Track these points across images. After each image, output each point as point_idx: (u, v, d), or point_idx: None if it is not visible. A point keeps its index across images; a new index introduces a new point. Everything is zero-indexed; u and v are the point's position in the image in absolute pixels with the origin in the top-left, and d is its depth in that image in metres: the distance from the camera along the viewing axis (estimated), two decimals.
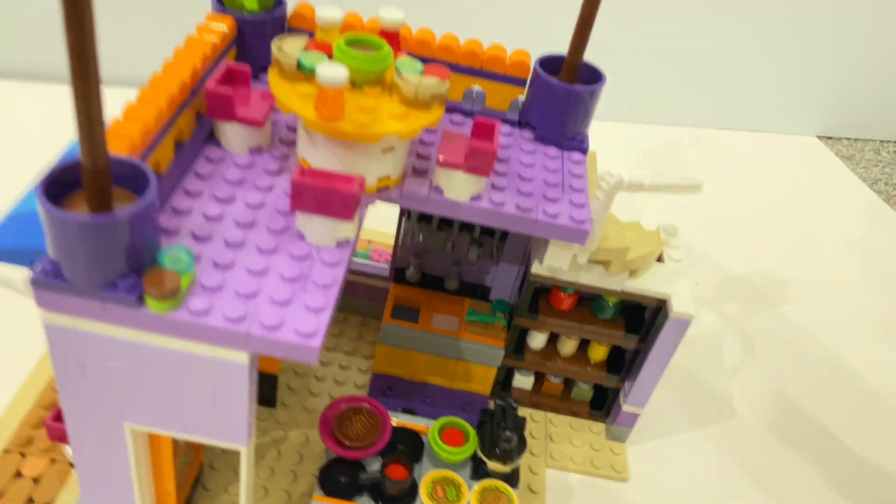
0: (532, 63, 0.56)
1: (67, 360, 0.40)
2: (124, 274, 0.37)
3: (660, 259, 0.64)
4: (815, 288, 0.96)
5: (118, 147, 0.39)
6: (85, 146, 0.33)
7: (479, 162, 0.47)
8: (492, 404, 0.61)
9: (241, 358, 0.39)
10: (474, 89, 0.57)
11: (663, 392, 0.76)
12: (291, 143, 0.50)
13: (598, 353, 0.68)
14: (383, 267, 0.74)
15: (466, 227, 0.65)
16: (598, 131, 0.70)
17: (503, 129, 0.57)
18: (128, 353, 0.39)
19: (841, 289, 0.97)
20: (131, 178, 0.37)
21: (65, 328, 0.38)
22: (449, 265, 0.68)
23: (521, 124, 0.57)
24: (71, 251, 0.35)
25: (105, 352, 0.39)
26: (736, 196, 1.11)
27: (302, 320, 0.38)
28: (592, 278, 0.59)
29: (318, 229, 0.42)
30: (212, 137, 0.48)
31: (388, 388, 0.68)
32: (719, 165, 1.19)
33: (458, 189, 0.48)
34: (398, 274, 0.70)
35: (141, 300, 0.37)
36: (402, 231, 0.67)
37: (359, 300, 0.75)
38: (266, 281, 0.40)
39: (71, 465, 0.57)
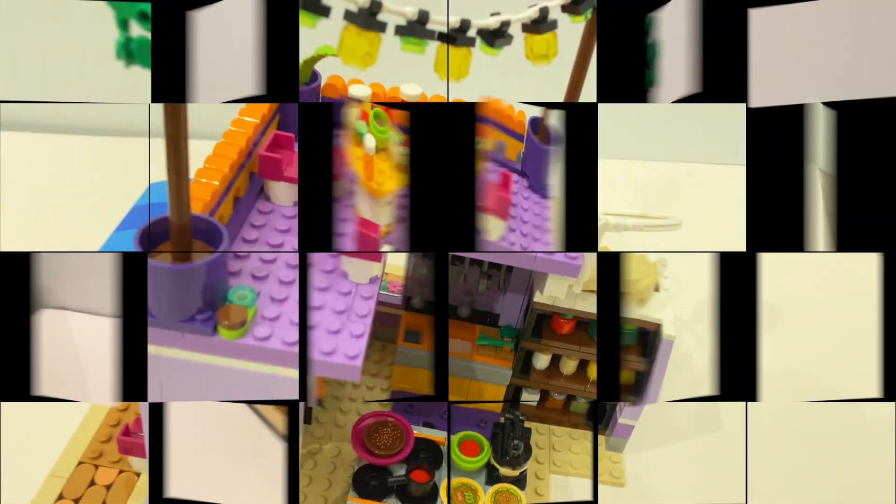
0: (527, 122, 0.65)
1: (150, 379, 0.49)
2: (201, 309, 0.46)
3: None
4: (799, 309, 1.04)
5: (194, 207, 0.48)
6: (174, 208, 0.43)
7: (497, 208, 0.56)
8: (503, 419, 0.69)
9: (294, 374, 0.47)
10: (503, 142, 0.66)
11: (660, 406, 0.84)
12: None
13: (596, 371, 0.76)
14: (398, 296, 0.83)
15: (476, 262, 0.74)
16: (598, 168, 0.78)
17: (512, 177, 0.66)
18: (201, 372, 0.48)
19: (822, 310, 1.05)
20: (205, 231, 0.46)
21: (149, 354, 0.47)
22: (461, 295, 0.77)
23: (521, 174, 0.66)
24: (160, 293, 0.44)
25: (182, 372, 0.48)
26: (726, 226, 1.19)
27: (348, 345, 0.47)
28: (586, 305, 0.68)
29: (359, 269, 0.51)
30: (262, 193, 0.58)
31: (409, 406, 0.76)
32: (711, 198, 1.27)
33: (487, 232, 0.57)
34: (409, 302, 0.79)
35: (215, 330, 0.46)
36: (411, 263, 0.76)
37: (377, 327, 0.84)
38: (319, 314, 0.49)
39: (137, 474, 0.65)
